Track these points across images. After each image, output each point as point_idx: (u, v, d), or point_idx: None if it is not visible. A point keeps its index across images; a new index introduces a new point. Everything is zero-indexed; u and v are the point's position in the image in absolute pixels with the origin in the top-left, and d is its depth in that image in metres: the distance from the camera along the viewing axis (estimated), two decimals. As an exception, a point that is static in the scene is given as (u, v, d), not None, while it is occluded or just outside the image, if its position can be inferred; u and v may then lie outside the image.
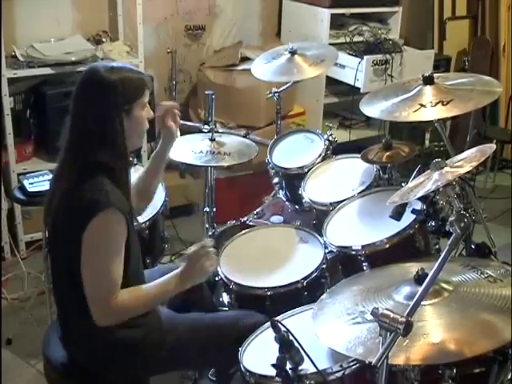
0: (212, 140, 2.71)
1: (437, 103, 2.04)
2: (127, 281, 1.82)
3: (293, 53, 2.92)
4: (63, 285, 1.87)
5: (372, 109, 2.23)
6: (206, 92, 2.81)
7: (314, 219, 2.55)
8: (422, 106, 2.06)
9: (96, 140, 1.81)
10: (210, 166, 2.73)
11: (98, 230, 1.73)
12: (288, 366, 1.57)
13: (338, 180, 2.57)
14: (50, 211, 1.87)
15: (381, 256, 2.06)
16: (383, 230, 2.11)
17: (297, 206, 2.73)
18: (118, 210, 1.76)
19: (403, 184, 1.97)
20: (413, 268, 1.65)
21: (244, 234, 2.47)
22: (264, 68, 2.97)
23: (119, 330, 1.84)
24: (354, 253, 2.13)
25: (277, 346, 1.56)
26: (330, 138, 2.75)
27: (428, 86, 2.14)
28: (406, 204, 1.95)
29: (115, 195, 1.79)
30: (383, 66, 3.83)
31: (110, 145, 1.81)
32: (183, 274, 1.86)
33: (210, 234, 2.77)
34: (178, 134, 2.19)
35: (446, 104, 2.03)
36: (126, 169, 1.88)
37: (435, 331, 1.44)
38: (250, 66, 3.06)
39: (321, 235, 2.30)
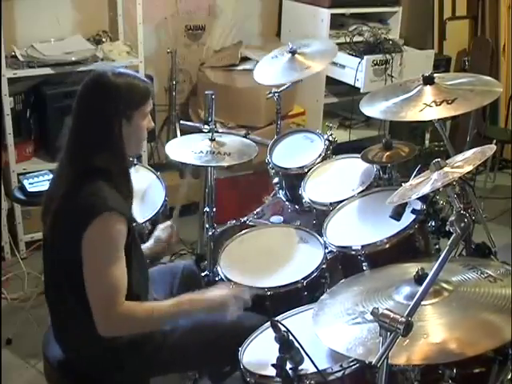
0: (212, 140, 2.70)
1: (441, 102, 2.04)
2: (132, 286, 1.80)
3: (293, 52, 2.92)
4: (61, 287, 1.86)
5: (372, 109, 2.23)
6: (206, 92, 2.80)
7: (314, 219, 2.55)
8: (427, 105, 2.06)
9: (94, 143, 1.81)
10: (210, 166, 2.72)
11: (97, 234, 1.72)
12: (288, 365, 1.57)
13: (337, 180, 2.57)
14: (48, 212, 1.87)
15: (381, 256, 2.06)
16: (383, 230, 2.11)
17: (297, 206, 2.73)
18: (118, 213, 1.75)
19: (403, 184, 1.97)
20: (413, 268, 1.65)
21: (244, 233, 2.47)
22: (266, 72, 2.96)
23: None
24: (353, 253, 2.13)
25: (277, 345, 1.57)
26: (330, 138, 2.75)
27: (428, 86, 2.14)
28: (406, 204, 1.95)
29: (114, 199, 1.78)
30: (383, 66, 3.83)
31: (107, 148, 1.81)
32: (208, 302, 1.83)
33: (210, 233, 2.77)
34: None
35: (451, 103, 2.03)
36: (125, 172, 1.88)
37: (435, 331, 1.44)
38: (250, 66, 3.06)
39: (321, 235, 2.30)
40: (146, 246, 2.18)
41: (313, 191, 2.56)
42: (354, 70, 3.81)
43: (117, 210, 1.75)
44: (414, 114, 2.06)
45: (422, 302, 1.40)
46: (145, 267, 2.00)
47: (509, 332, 1.40)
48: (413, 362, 1.46)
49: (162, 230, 2.27)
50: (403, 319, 1.28)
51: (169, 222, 2.31)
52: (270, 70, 2.96)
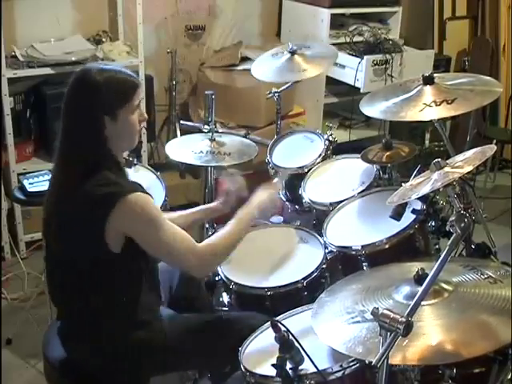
0: (212, 140, 2.70)
1: (441, 102, 2.04)
2: (148, 276, 1.86)
3: (292, 53, 2.92)
4: (67, 287, 1.86)
5: (372, 109, 2.23)
6: (206, 92, 2.80)
7: (314, 219, 2.55)
8: (427, 105, 2.06)
9: (82, 142, 1.80)
10: (210, 166, 2.72)
11: (128, 211, 1.73)
12: (288, 365, 1.57)
13: (337, 180, 2.57)
14: (51, 213, 1.87)
15: (381, 256, 2.06)
16: (383, 230, 2.11)
17: (297, 206, 2.73)
18: (137, 191, 1.76)
19: (403, 184, 1.97)
20: (413, 268, 1.65)
21: (244, 234, 2.47)
22: (264, 68, 2.97)
23: (121, 330, 1.84)
24: (354, 253, 2.13)
25: (277, 345, 1.56)
26: (330, 138, 2.75)
27: (428, 85, 2.14)
28: (406, 204, 1.95)
29: (126, 182, 1.81)
30: (383, 66, 3.83)
31: (94, 145, 1.80)
32: (256, 208, 2.08)
33: (210, 233, 2.76)
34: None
35: (451, 103, 2.03)
36: (117, 167, 1.86)
37: (434, 332, 1.44)
38: (250, 66, 3.06)
39: (321, 235, 2.30)
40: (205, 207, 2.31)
41: (313, 191, 2.56)
42: (353, 70, 3.81)
43: (134, 189, 1.77)
44: (413, 114, 2.06)
45: (422, 303, 1.40)
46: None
47: (506, 335, 1.39)
48: (409, 362, 1.46)
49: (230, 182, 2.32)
50: (403, 319, 1.28)
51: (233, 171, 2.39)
52: (268, 67, 2.96)
